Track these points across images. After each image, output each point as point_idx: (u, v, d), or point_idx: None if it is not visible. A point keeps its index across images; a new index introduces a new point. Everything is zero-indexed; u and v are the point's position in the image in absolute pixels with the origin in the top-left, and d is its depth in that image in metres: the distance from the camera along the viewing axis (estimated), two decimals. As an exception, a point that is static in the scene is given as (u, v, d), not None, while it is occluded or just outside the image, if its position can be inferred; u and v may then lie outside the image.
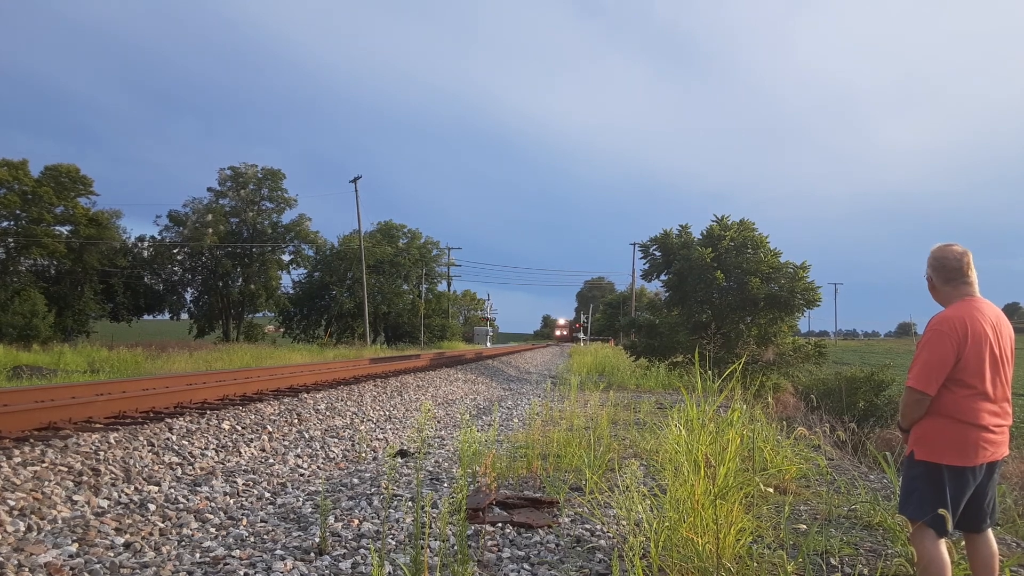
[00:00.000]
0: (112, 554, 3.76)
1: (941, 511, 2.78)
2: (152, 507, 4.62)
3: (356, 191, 44.92)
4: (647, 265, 21.33)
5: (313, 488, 5.49)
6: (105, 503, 4.59)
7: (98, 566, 3.56)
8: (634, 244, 55.73)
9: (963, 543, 3.17)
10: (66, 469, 4.87)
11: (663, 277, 20.78)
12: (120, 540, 3.96)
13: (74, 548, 3.78)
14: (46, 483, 4.58)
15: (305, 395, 9.55)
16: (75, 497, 4.53)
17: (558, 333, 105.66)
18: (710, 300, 19.73)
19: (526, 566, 3.75)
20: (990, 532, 3.04)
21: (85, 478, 4.84)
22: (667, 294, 21.63)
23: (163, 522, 4.37)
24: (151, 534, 4.16)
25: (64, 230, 44.26)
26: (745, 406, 5.52)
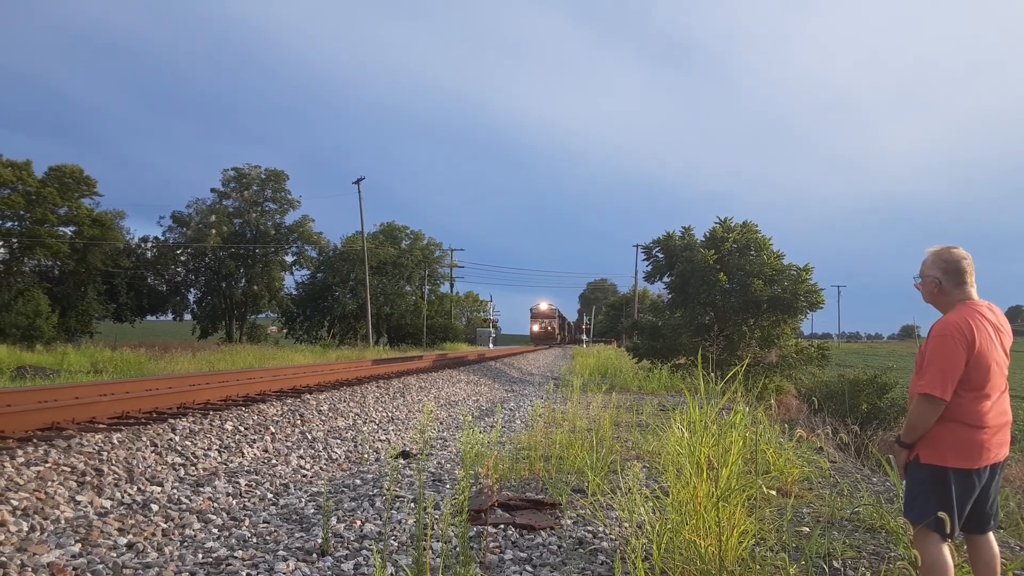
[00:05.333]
0: (115, 554, 3.77)
1: (944, 514, 2.78)
2: (155, 507, 4.62)
3: (359, 192, 45.04)
4: (650, 267, 21.34)
5: (316, 489, 5.50)
6: (108, 503, 4.59)
7: (101, 566, 3.57)
8: (637, 246, 54.92)
9: (965, 547, 3.17)
10: (69, 469, 4.88)
11: (666, 279, 20.77)
12: (123, 540, 3.97)
13: (77, 548, 3.79)
14: (49, 483, 4.59)
15: (308, 396, 9.55)
16: (78, 497, 4.54)
17: (537, 328, 69.44)
18: (713, 302, 19.71)
19: (528, 568, 3.75)
20: (992, 535, 3.04)
21: (88, 478, 4.84)
22: (670, 296, 21.62)
23: (166, 522, 4.38)
24: (154, 534, 4.16)
25: (68, 231, 44.38)
26: (748, 408, 5.50)
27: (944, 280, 3.01)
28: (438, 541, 3.90)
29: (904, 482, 3.08)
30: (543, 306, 72.78)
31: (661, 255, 20.85)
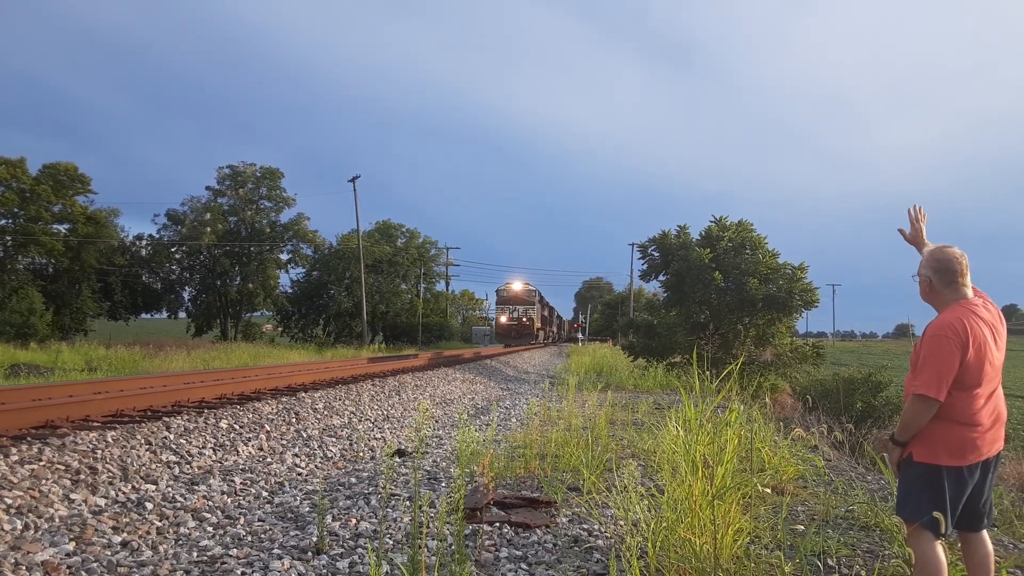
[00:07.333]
0: (109, 553, 3.76)
1: (938, 513, 2.79)
2: (149, 506, 4.61)
3: (355, 190, 45.00)
4: (645, 265, 21.38)
5: (311, 487, 5.49)
6: (102, 502, 4.58)
7: (95, 564, 3.56)
8: (632, 244, 54.08)
9: (959, 544, 3.18)
10: (63, 467, 4.86)
11: (661, 277, 20.81)
12: (117, 539, 3.95)
13: (71, 547, 3.78)
14: (43, 481, 4.57)
15: (303, 394, 9.53)
16: (72, 496, 4.52)
17: (505, 319, 48.74)
18: (708, 301, 19.76)
19: (523, 566, 3.75)
20: (986, 532, 3.05)
21: (82, 476, 4.83)
22: (665, 294, 21.67)
23: (160, 521, 4.37)
24: (148, 533, 4.15)
25: (62, 228, 44.21)
26: (743, 406, 5.52)
27: (935, 279, 3.01)
28: (434, 539, 3.90)
29: (898, 480, 3.10)
30: (516, 286, 49.64)
31: (657, 254, 20.90)
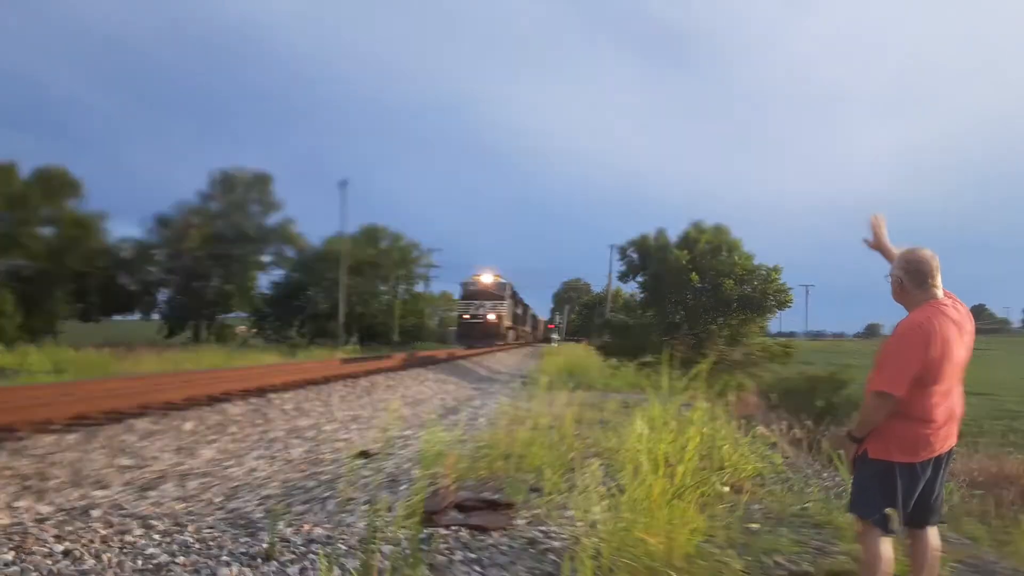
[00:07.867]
0: (50, 562, 3.65)
1: (889, 509, 2.80)
2: (96, 513, 4.50)
3: (343, 194, 44.70)
4: (624, 267, 21.50)
5: (267, 492, 5.39)
6: (48, 509, 4.45)
7: (35, 574, 3.46)
8: (612, 246, 54.02)
9: (907, 539, 3.19)
10: (11, 473, 4.73)
11: (639, 278, 20.95)
12: (59, 548, 3.85)
13: (10, 556, 3.67)
14: (-12, 488, 4.44)
15: (273, 395, 9.41)
16: (16, 503, 4.40)
17: (469, 316, 41.73)
18: (684, 301, 19.92)
19: (477, 568, 3.71)
20: (934, 529, 3.07)
21: (31, 483, 4.70)
22: (643, 295, 21.81)
23: (106, 529, 4.26)
24: (92, 541, 4.04)
25: (48, 231, 43.38)
26: (708, 404, 5.53)
27: (906, 280, 3.02)
28: (389, 544, 3.84)
29: (852, 477, 3.11)
30: (485, 278, 43.00)
31: (636, 255, 21.08)
